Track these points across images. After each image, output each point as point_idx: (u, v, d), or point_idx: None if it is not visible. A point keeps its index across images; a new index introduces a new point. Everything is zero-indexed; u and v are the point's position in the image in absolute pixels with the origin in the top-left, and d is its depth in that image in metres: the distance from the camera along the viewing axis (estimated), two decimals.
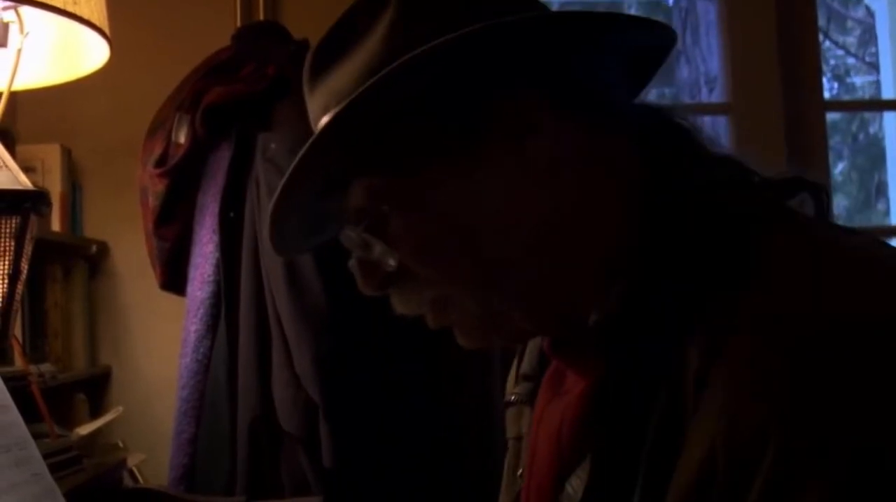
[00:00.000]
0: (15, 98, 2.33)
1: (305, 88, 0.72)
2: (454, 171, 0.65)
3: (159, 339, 2.17)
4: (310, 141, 0.65)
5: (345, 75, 0.66)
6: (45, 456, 1.11)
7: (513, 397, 0.84)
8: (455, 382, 1.56)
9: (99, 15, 1.36)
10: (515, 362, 0.86)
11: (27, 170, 2.15)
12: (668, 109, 0.71)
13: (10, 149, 2.00)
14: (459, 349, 1.57)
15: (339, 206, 0.70)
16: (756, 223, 0.61)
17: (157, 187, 1.62)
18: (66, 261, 2.13)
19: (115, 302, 2.28)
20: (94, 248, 2.22)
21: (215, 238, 1.57)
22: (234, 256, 1.56)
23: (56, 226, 2.14)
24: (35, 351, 1.93)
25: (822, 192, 0.67)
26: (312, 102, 0.71)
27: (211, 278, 1.58)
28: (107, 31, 1.40)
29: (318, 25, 1.78)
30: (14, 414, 0.99)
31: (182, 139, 1.60)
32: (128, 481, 2.07)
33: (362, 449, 1.43)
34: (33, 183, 2.15)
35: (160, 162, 1.62)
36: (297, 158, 0.66)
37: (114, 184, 2.23)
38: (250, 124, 1.60)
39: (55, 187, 2.15)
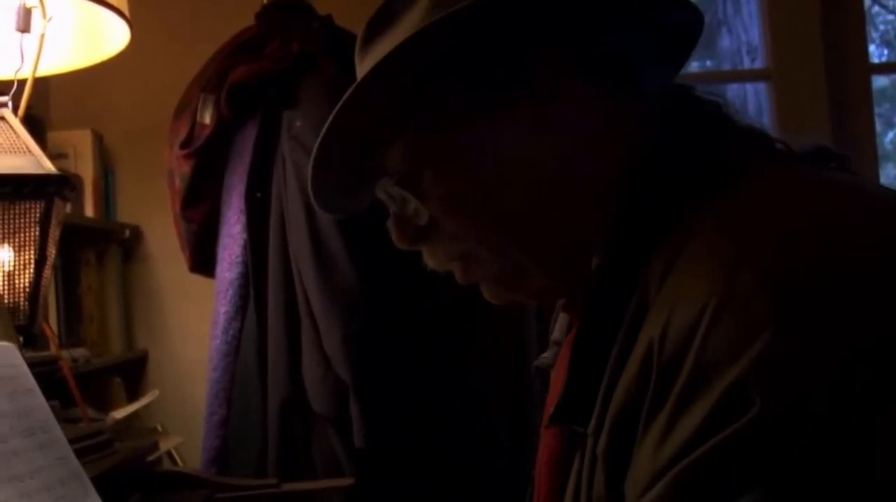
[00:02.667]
0: (47, 85, 2.35)
1: (357, 58, 0.75)
2: (482, 129, 0.68)
3: (194, 322, 2.17)
4: (347, 93, 0.68)
5: (390, 42, 0.69)
6: (75, 441, 1.11)
7: (542, 362, 0.86)
8: (487, 361, 1.53)
9: None
10: (550, 331, 0.89)
11: (59, 156, 2.17)
12: (694, 86, 0.73)
13: (42, 135, 2.01)
14: (491, 326, 1.55)
15: (378, 163, 0.73)
16: (746, 162, 0.63)
17: (184, 169, 1.61)
18: (99, 246, 2.14)
19: (149, 285, 2.28)
20: (127, 233, 2.23)
21: (242, 218, 1.56)
22: (262, 236, 1.54)
23: (89, 211, 2.15)
24: (70, 335, 1.94)
25: (847, 163, 0.67)
26: (361, 70, 0.73)
27: (239, 259, 1.56)
28: (126, 13, 1.38)
29: (341, 1, 1.76)
30: (38, 398, 0.98)
31: (207, 119, 1.58)
32: (167, 464, 2.08)
33: (393, 428, 1.41)
34: (66, 169, 2.17)
35: (186, 143, 1.61)
36: (334, 111, 0.68)
37: (146, 168, 2.23)
38: (276, 102, 1.58)
39: (88, 173, 2.16)
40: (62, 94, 2.31)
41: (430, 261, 0.75)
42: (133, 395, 2.14)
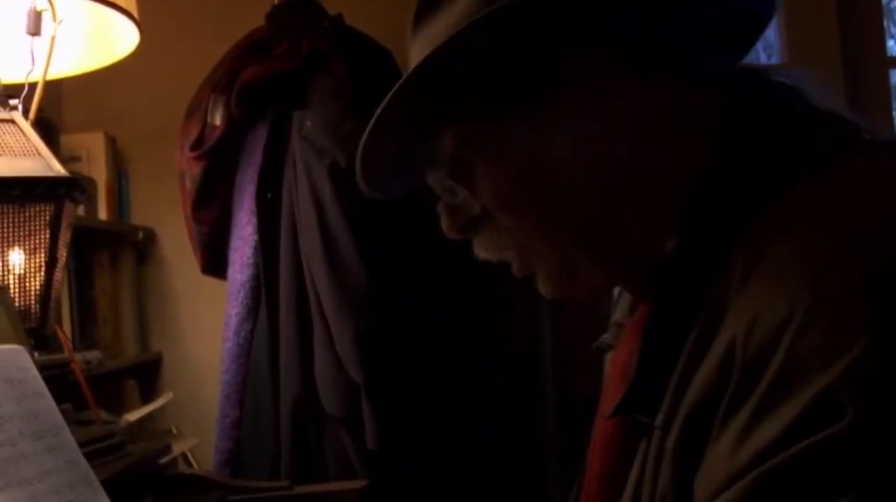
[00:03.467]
0: (60, 88, 2.36)
1: (409, 39, 0.74)
2: (531, 123, 0.66)
3: (209, 323, 2.17)
4: (399, 82, 0.67)
5: (441, 24, 0.68)
6: (87, 443, 1.10)
7: (601, 343, 0.85)
8: (500, 359, 1.52)
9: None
10: (611, 312, 0.87)
11: (73, 159, 2.17)
12: (769, 70, 0.69)
13: (54, 138, 2.02)
14: (504, 325, 1.54)
15: (430, 151, 0.72)
16: (830, 153, 0.60)
17: (194, 170, 1.61)
18: (113, 248, 2.14)
19: (163, 288, 2.29)
20: (140, 235, 2.23)
21: (253, 220, 1.55)
22: (273, 237, 1.54)
23: (103, 214, 2.15)
24: (84, 338, 1.95)
25: None
26: (413, 51, 0.72)
27: (250, 260, 1.56)
28: (135, 14, 1.38)
29: (351, 0, 1.75)
30: (48, 401, 0.97)
31: (218, 121, 1.58)
32: (182, 466, 2.08)
33: (405, 429, 1.40)
34: (79, 171, 2.17)
35: (196, 144, 1.60)
36: (386, 99, 0.67)
37: (159, 171, 2.23)
38: (286, 102, 1.57)
39: (101, 175, 2.16)
40: (75, 97, 2.32)
41: (482, 251, 0.74)
42: (148, 398, 2.14)
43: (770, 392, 0.50)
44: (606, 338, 0.84)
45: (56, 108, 2.32)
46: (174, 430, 2.17)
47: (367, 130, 0.70)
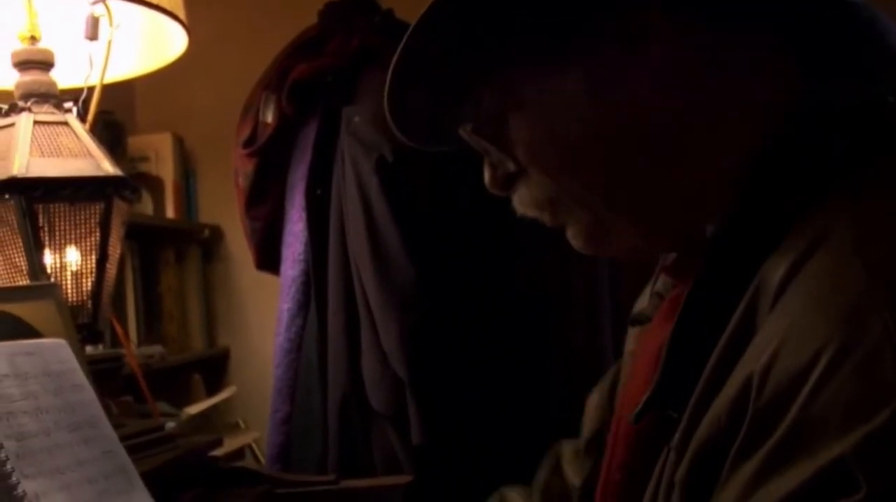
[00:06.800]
0: (133, 91, 2.43)
1: None
2: (562, 74, 0.63)
3: (273, 319, 2.20)
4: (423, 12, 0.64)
5: None
6: (133, 436, 1.13)
7: (637, 314, 0.82)
8: (556, 354, 1.49)
9: (172, 2, 1.38)
10: (652, 280, 0.83)
11: (142, 159, 2.24)
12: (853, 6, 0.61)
13: (122, 139, 2.08)
14: (565, 318, 1.51)
15: (466, 106, 0.70)
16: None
17: (247, 167, 1.64)
18: (179, 246, 2.20)
19: (229, 284, 2.34)
20: (206, 232, 2.28)
21: (304, 216, 1.57)
22: (323, 233, 1.55)
23: (170, 212, 2.21)
24: (150, 334, 2.00)
25: None
26: None
27: (301, 256, 1.57)
28: (183, 17, 1.41)
29: None
30: (87, 394, 1.00)
31: (270, 118, 1.60)
32: (249, 458, 2.13)
33: (451, 425, 1.39)
34: (148, 171, 2.24)
35: (249, 142, 1.63)
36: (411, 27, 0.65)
37: (226, 170, 2.26)
38: (336, 99, 1.58)
39: (168, 174, 2.22)
40: (147, 99, 2.39)
41: (520, 208, 0.72)
42: (215, 392, 2.19)
43: (781, 447, 0.46)
44: (645, 308, 0.80)
45: (129, 110, 2.39)
46: (241, 424, 2.22)
47: (391, 67, 0.68)
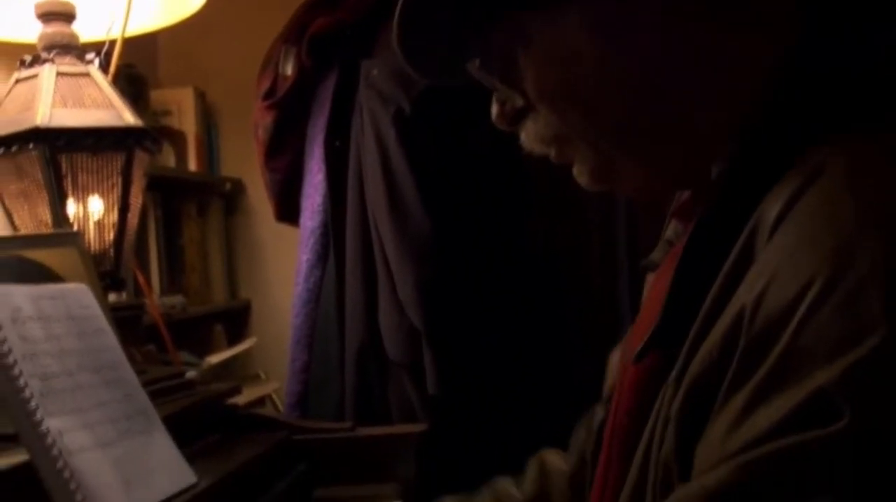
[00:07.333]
0: (156, 45, 2.44)
1: None
2: (565, 14, 0.63)
3: (294, 272, 2.23)
4: None
5: None
6: (155, 382, 1.16)
7: (648, 261, 0.82)
8: (563, 306, 1.50)
9: None
10: (665, 227, 0.84)
11: (165, 113, 2.26)
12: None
13: (143, 93, 2.10)
14: (580, 270, 1.51)
15: (475, 41, 0.70)
16: None
17: (266, 120, 1.65)
18: (201, 199, 2.22)
19: (251, 237, 2.36)
20: (228, 186, 2.30)
21: (323, 168, 1.58)
22: (341, 185, 1.56)
23: (192, 165, 2.23)
24: (172, 285, 2.04)
25: None
26: None
27: (320, 208, 1.59)
28: None
29: None
30: (109, 339, 1.03)
31: (289, 71, 1.61)
32: (269, 407, 2.17)
33: (466, 375, 1.41)
34: (170, 125, 2.26)
35: (268, 94, 1.64)
36: None
37: (248, 124, 2.27)
38: (355, 52, 1.58)
39: (190, 128, 2.24)
40: (170, 53, 2.40)
41: (527, 143, 0.72)
42: (236, 343, 2.23)
43: (770, 377, 0.47)
44: (655, 256, 0.80)
45: (152, 64, 2.41)
46: (262, 374, 2.26)
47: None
